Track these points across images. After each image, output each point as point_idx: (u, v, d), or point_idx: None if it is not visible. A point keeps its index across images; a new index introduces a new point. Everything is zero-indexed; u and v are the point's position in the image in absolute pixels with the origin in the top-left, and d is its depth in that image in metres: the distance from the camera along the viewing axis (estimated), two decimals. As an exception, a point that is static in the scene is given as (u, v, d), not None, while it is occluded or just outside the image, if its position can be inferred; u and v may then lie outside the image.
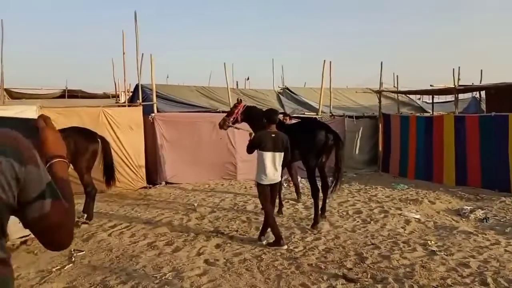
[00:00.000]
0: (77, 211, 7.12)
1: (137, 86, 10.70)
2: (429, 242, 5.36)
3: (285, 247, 5.15)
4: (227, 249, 5.17)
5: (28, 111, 8.95)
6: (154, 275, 4.30)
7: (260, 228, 5.68)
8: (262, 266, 4.55)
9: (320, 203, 6.46)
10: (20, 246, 5.22)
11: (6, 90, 20.49)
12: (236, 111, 7.35)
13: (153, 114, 9.94)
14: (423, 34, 51.52)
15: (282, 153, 5.37)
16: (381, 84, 12.74)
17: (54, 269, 4.49)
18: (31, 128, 1.27)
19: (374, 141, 12.80)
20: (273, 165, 5.29)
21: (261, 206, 7.26)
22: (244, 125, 7.43)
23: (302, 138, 6.36)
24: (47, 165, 1.24)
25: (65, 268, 4.54)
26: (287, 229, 6.08)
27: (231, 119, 7.34)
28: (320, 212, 6.44)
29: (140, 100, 10.15)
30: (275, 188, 5.49)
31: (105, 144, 7.13)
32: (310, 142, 6.43)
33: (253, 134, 5.97)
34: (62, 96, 21.63)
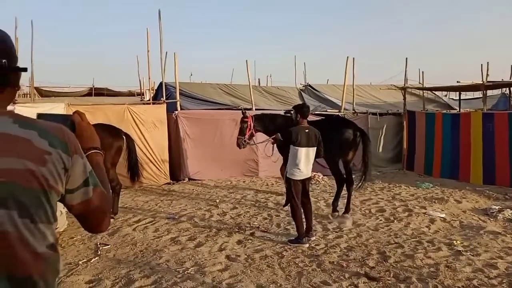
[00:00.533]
0: None
1: (161, 84, 10.88)
2: (454, 242, 5.24)
3: (307, 245, 5.13)
4: (249, 245, 5.20)
5: (57, 108, 9.28)
6: (177, 270, 4.38)
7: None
8: (283, 263, 4.56)
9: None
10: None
11: (36, 88, 21.27)
12: (248, 126, 7.28)
13: (176, 112, 10.08)
14: (449, 30, 50.16)
15: (315, 148, 5.34)
16: (406, 80, 12.48)
17: (80, 262, 4.64)
18: (70, 123, 1.34)
19: (398, 138, 12.56)
20: (306, 160, 5.24)
21: (283, 203, 7.31)
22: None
23: (330, 135, 6.33)
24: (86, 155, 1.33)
25: (91, 261, 4.68)
26: (309, 227, 6.06)
27: (247, 136, 7.30)
28: (344, 210, 6.52)
29: (164, 98, 10.32)
30: (307, 183, 5.45)
31: (130, 140, 7.29)
32: (338, 139, 6.51)
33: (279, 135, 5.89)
34: (89, 94, 22.26)
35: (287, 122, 7.34)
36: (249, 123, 7.28)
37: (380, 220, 6.43)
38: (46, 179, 1.08)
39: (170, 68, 10.47)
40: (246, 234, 5.70)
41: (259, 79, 17.48)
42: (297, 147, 5.20)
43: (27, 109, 8.92)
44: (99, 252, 4.98)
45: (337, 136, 6.54)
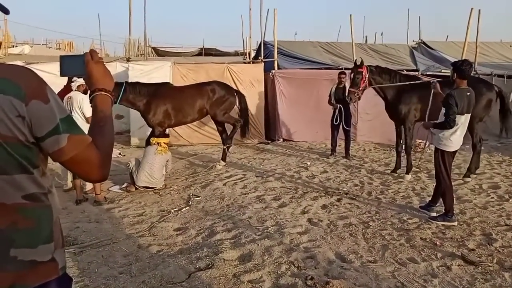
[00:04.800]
0: (215, 159, 7.82)
1: (260, 43, 10.80)
2: None
3: (456, 223, 4.53)
4: (333, 211, 5.00)
5: (164, 66, 9.91)
6: (257, 227, 4.42)
7: (430, 197, 5.12)
8: (368, 234, 4.28)
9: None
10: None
11: (154, 48, 23.18)
12: (362, 78, 6.59)
13: (273, 71, 9.97)
14: None
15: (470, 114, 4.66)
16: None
17: (172, 210, 5.00)
18: (82, 63, 1.28)
19: (530, 105, 10.65)
20: (463, 128, 4.59)
21: (379, 170, 6.84)
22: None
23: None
24: (90, 98, 1.28)
25: (182, 211, 5.01)
26: (404, 198, 5.58)
27: (361, 89, 6.64)
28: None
29: (262, 57, 10.25)
30: (454, 154, 4.79)
31: (242, 98, 7.60)
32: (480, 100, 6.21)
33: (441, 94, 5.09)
34: (199, 54, 23.42)
35: (411, 85, 6.79)
36: (364, 74, 6.60)
37: (492, 197, 5.60)
38: None
39: (272, 27, 10.27)
40: (332, 199, 5.49)
41: (366, 36, 16.29)
42: (459, 115, 4.48)
43: (139, 67, 9.72)
44: (190, 203, 5.30)
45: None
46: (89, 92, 1.31)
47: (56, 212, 1.20)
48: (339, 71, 8.78)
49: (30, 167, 1.09)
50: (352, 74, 6.76)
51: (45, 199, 1.14)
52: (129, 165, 6.00)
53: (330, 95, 8.24)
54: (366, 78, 6.61)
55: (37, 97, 1.05)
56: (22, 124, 1.03)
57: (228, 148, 7.42)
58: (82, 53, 1.30)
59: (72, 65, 1.30)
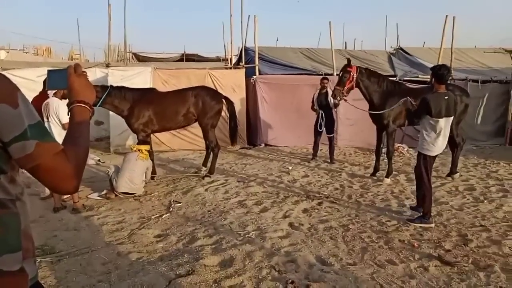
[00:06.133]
0: (196, 165, 7.75)
1: (242, 49, 10.86)
2: (558, 231, 4.47)
3: (433, 225, 4.62)
4: (314, 215, 5.04)
5: (145, 72, 9.84)
6: (238, 232, 4.42)
7: (415, 203, 5.13)
8: (347, 236, 4.33)
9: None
10: (131, 196, 5.86)
11: (134, 54, 22.98)
12: (349, 77, 6.58)
13: (254, 77, 10.02)
14: None
15: (452, 118, 4.73)
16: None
17: (153, 217, 4.95)
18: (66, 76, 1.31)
19: (502, 110, 11.00)
20: (444, 132, 4.64)
21: (359, 174, 6.94)
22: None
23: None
24: (68, 109, 1.28)
25: (162, 217, 4.96)
26: (383, 201, 5.68)
27: (346, 88, 6.61)
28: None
29: (243, 63, 10.30)
30: (435, 158, 4.87)
31: (230, 104, 7.36)
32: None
33: (411, 100, 5.29)
34: (181, 59, 23.35)
35: (395, 88, 6.88)
36: (351, 74, 6.58)
37: (467, 199, 5.76)
38: None
39: (253, 33, 10.33)
40: (313, 203, 5.54)
41: (345, 43, 16.56)
42: (436, 118, 4.56)
43: (119, 72, 9.62)
44: (171, 209, 5.26)
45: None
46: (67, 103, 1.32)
47: (25, 220, 1.15)
48: (322, 76, 8.88)
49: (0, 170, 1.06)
50: (341, 73, 6.75)
51: (12, 206, 1.10)
52: (108, 172, 5.92)
53: (313, 101, 8.32)
54: (354, 78, 6.61)
55: (6, 101, 1.03)
56: None
57: (207, 176, 6.99)
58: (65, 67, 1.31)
59: (58, 79, 1.33)
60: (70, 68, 1.31)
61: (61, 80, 1.31)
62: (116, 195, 5.75)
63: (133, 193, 5.80)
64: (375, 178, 6.96)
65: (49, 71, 1.32)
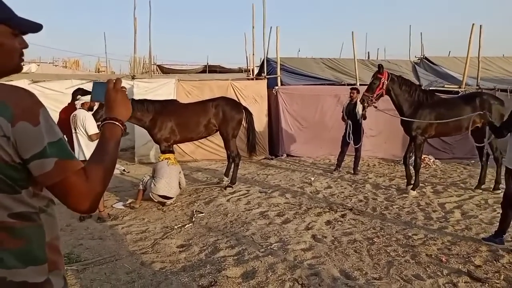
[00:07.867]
0: (218, 175, 7.80)
1: (263, 60, 10.93)
2: None
3: (504, 245, 4.29)
4: (337, 227, 4.96)
5: (169, 83, 10.02)
6: (261, 244, 4.39)
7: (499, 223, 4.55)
8: (372, 250, 4.23)
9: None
10: (155, 205, 5.93)
11: (158, 66, 23.48)
12: (380, 84, 6.42)
13: (276, 87, 10.05)
14: None
15: None
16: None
17: (176, 227, 4.98)
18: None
19: (534, 120, 10.58)
20: None
21: (384, 185, 6.79)
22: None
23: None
24: (100, 126, 1.28)
25: (185, 227, 4.98)
26: (409, 214, 5.53)
27: (375, 95, 6.44)
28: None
29: (265, 74, 10.35)
30: None
31: (249, 115, 7.41)
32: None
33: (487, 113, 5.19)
34: (204, 71, 23.72)
35: (427, 98, 6.67)
36: (382, 81, 6.42)
37: (498, 212, 5.53)
38: None
39: (275, 44, 10.39)
40: (336, 215, 5.45)
41: (368, 52, 16.42)
42: None
43: (144, 84, 9.84)
44: (193, 219, 5.28)
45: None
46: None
47: (51, 233, 1.15)
48: (351, 87, 8.79)
49: (18, 187, 1.07)
50: (371, 79, 6.62)
51: (36, 218, 1.11)
52: (143, 179, 6.05)
53: (343, 111, 8.26)
54: (384, 85, 6.45)
55: (26, 119, 1.03)
56: (6, 144, 1.02)
57: (229, 186, 7.02)
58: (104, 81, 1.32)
59: (100, 92, 1.32)
60: (110, 82, 1.30)
61: (103, 93, 1.30)
62: (140, 204, 5.84)
63: (170, 197, 5.92)
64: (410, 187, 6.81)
65: (94, 83, 1.32)
